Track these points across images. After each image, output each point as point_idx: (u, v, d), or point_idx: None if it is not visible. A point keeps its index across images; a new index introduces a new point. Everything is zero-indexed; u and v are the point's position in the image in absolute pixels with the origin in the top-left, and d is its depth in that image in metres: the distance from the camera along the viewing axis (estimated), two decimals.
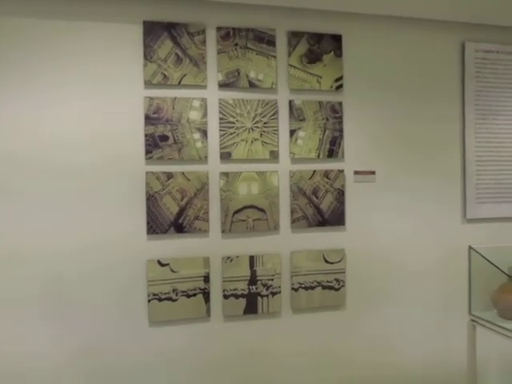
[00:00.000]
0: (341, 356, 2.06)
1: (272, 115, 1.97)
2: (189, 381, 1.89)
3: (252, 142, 1.95)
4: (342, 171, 2.04)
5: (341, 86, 2.05)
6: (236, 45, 1.93)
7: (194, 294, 1.89)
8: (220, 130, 1.92)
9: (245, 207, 1.94)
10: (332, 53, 2.03)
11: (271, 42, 1.96)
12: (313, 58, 2.01)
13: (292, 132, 1.99)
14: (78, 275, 1.78)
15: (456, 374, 2.19)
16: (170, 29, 1.86)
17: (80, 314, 1.78)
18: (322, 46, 2.02)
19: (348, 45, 2.06)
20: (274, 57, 1.97)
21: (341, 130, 2.04)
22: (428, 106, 2.16)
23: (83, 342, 1.79)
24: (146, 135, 1.84)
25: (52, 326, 1.76)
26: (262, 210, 1.96)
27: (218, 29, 1.91)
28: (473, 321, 1.88)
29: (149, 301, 1.84)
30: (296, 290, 1.99)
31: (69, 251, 1.77)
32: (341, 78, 2.04)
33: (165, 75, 1.86)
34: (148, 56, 1.84)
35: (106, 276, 1.81)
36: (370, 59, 2.10)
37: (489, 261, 1.86)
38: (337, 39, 2.04)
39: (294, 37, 1.99)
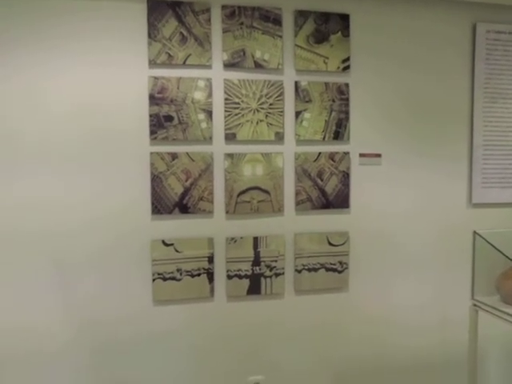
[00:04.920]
0: (342, 335, 2.08)
1: (277, 96, 1.95)
2: (191, 356, 1.93)
3: (257, 123, 1.93)
4: (347, 153, 2.03)
5: (348, 67, 2.01)
6: (241, 24, 1.90)
7: (198, 274, 1.91)
8: (225, 111, 1.90)
9: (249, 188, 1.94)
10: (339, 33, 2.00)
11: (277, 22, 1.93)
12: (320, 38, 1.98)
13: (298, 113, 1.97)
14: (82, 254, 1.81)
15: (457, 358, 2.21)
16: (175, 7, 1.83)
17: (84, 290, 1.81)
18: (329, 26, 1.98)
19: (356, 25, 2.02)
20: (280, 36, 1.94)
21: (347, 112, 2.02)
22: (437, 89, 2.12)
23: (87, 318, 1.82)
24: (150, 115, 1.84)
25: (56, 301, 1.79)
26: (266, 191, 1.96)
27: (223, 7, 1.88)
28: (475, 305, 1.88)
29: (153, 280, 1.86)
30: (299, 271, 2.00)
31: (72, 230, 1.79)
32: (348, 59, 2.01)
33: (169, 54, 1.84)
34: (152, 35, 1.82)
35: (110, 255, 1.83)
36: (377, 40, 2.06)
37: (493, 246, 1.84)
38: (344, 19, 2.00)
39: (301, 16, 1.95)
